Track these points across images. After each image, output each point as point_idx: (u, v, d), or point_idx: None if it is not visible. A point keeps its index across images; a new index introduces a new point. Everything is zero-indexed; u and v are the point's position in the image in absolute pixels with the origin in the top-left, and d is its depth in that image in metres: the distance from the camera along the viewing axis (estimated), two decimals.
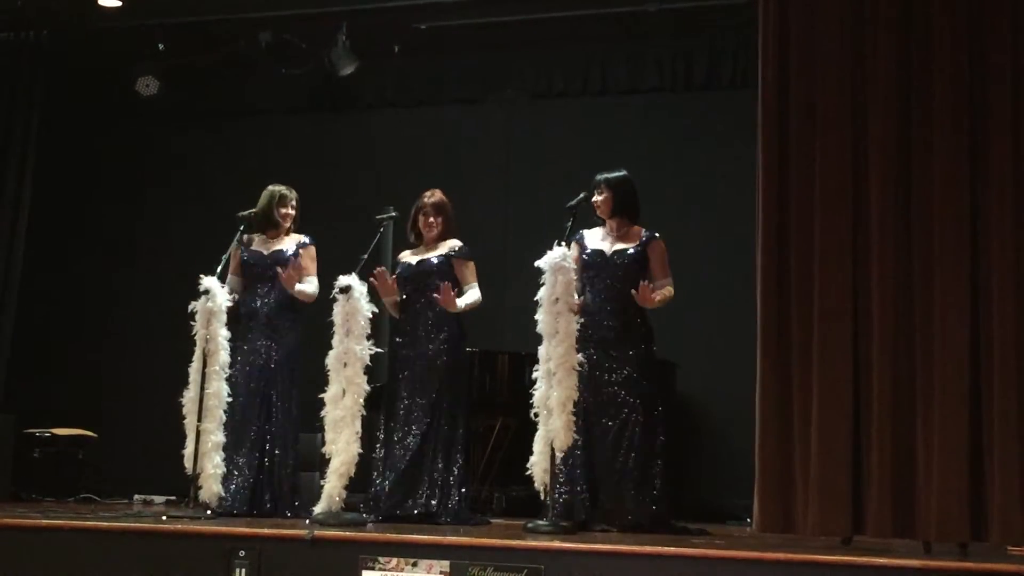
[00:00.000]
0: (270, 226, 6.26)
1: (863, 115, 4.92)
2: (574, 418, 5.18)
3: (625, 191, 5.75)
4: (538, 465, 5.19)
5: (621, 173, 5.78)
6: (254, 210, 6.24)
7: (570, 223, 5.47)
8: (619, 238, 5.75)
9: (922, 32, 4.88)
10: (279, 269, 6.03)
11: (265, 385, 6.06)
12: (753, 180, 5.12)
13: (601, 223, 5.82)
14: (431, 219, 5.95)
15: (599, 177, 5.76)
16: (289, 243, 6.25)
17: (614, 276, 5.67)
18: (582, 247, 5.73)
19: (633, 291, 5.48)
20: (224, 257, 5.99)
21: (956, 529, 4.52)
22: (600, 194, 5.73)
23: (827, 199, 4.89)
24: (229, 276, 5.98)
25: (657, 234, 5.73)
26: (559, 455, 5.16)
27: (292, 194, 6.32)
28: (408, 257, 6.02)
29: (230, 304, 5.88)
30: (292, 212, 6.29)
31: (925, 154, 4.80)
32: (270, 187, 6.32)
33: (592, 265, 5.67)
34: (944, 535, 4.53)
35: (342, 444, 5.35)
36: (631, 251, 5.68)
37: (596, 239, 5.78)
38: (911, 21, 4.91)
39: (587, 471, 5.50)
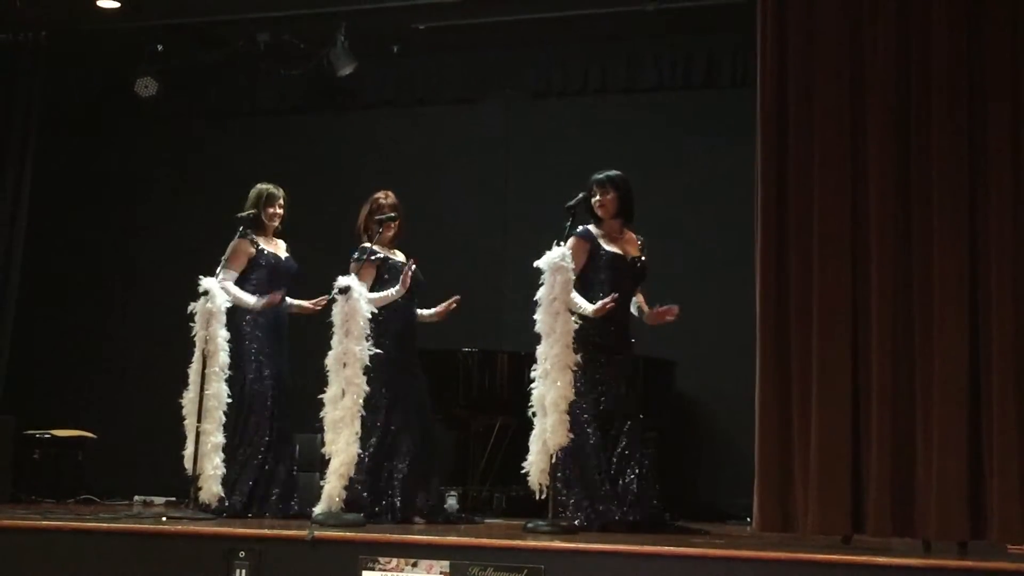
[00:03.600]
0: (260, 227, 6.24)
1: (862, 111, 4.92)
2: (567, 417, 5.16)
3: (628, 191, 5.76)
4: (534, 465, 5.18)
5: (620, 173, 5.78)
6: (252, 211, 6.23)
7: (569, 223, 5.46)
8: (625, 243, 5.76)
9: (920, 25, 4.87)
10: (305, 304, 6.17)
11: (280, 388, 6.17)
12: (752, 178, 5.12)
13: (596, 223, 5.77)
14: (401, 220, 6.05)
15: (601, 177, 5.73)
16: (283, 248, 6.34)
17: (635, 284, 5.74)
18: (594, 245, 5.64)
19: (651, 310, 5.65)
20: (225, 257, 6.01)
21: (956, 528, 4.52)
22: (605, 194, 5.70)
23: (826, 197, 4.89)
24: (228, 271, 6.00)
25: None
26: (553, 455, 5.16)
27: (280, 192, 6.30)
28: (397, 257, 6.04)
29: (229, 305, 5.88)
30: (280, 212, 6.28)
31: (924, 149, 4.79)
32: (258, 186, 6.30)
33: (611, 268, 5.59)
34: (944, 534, 4.53)
35: (341, 444, 5.35)
36: (644, 260, 5.76)
37: (605, 241, 5.72)
38: (909, 13, 4.90)
39: (580, 470, 5.50)
